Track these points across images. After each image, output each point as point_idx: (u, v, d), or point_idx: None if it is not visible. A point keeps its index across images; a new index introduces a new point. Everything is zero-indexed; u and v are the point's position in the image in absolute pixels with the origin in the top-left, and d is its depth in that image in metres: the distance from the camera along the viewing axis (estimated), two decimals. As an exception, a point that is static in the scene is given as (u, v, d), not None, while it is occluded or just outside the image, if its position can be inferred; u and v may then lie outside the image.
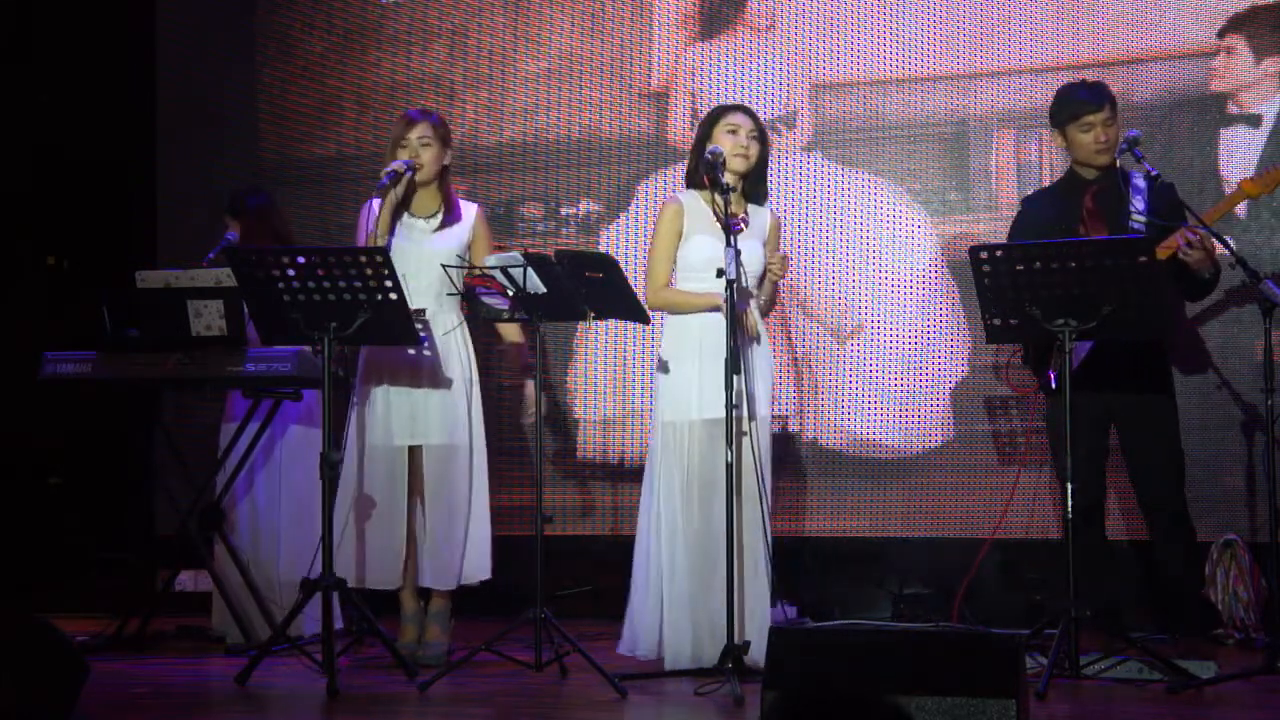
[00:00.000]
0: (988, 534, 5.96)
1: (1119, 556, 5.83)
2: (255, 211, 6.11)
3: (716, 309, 5.02)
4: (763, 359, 5.25)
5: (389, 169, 5.39)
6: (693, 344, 5.18)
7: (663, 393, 5.25)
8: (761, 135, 5.28)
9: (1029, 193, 5.88)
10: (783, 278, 5.29)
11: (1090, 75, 5.66)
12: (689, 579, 5.08)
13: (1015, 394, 5.62)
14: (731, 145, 5.20)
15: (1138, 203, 5.24)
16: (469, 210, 5.58)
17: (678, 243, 5.26)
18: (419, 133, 5.48)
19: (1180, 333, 5.74)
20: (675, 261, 5.27)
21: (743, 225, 5.17)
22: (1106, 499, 5.55)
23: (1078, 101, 5.36)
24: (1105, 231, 5.24)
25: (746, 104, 5.54)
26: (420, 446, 5.42)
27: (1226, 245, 5.12)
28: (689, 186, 5.35)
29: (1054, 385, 5.23)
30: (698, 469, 5.13)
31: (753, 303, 5.22)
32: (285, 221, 6.33)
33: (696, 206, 5.28)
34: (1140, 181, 5.28)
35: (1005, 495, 6.32)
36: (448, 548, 5.39)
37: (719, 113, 5.31)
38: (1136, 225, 5.20)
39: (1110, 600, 5.34)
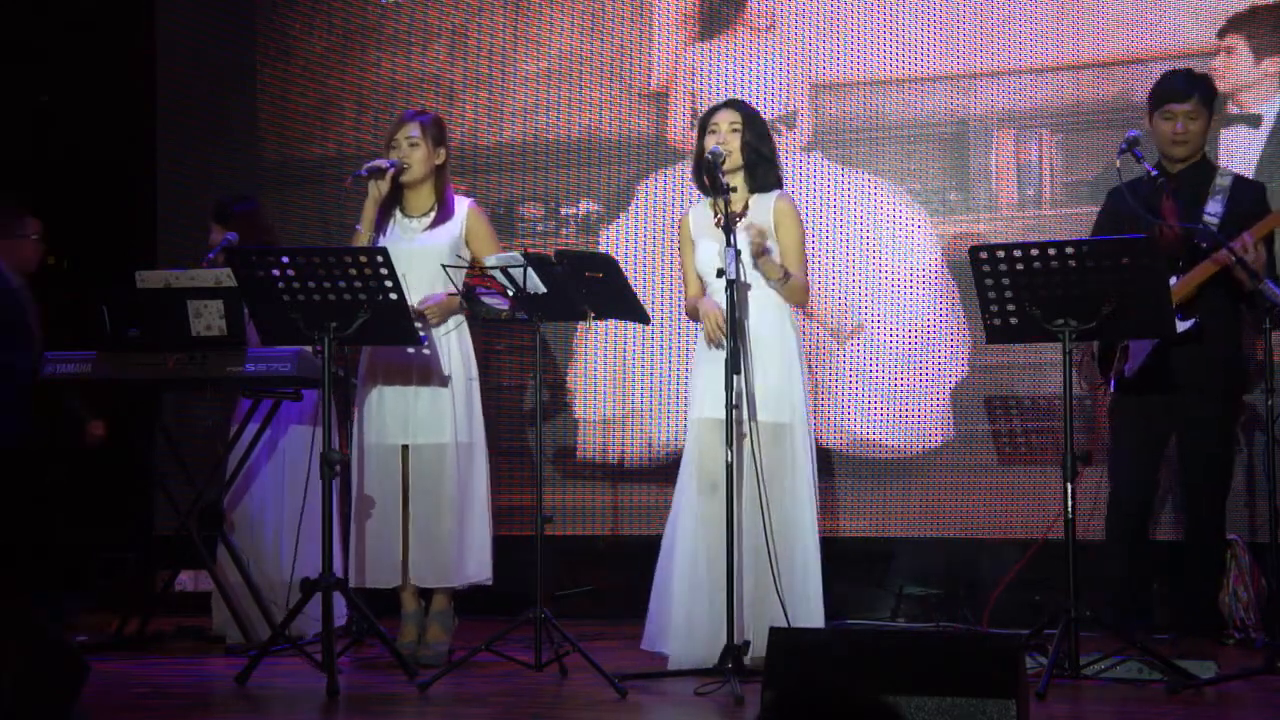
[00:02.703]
0: (1040, 534, 5.93)
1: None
2: (242, 218, 6.08)
3: (695, 315, 5.23)
4: (774, 358, 5.17)
5: (370, 164, 5.44)
6: (708, 345, 5.21)
7: (690, 391, 5.32)
8: (748, 124, 5.23)
9: (1114, 185, 5.74)
10: (764, 251, 5.03)
11: (1090, 75, 5.64)
12: (699, 576, 5.09)
13: (1086, 391, 5.59)
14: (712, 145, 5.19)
15: (1215, 204, 5.21)
16: (461, 205, 5.57)
17: (691, 252, 5.30)
18: (406, 133, 5.49)
19: (1243, 343, 5.65)
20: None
21: (735, 222, 5.08)
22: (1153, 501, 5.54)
23: (1167, 89, 5.32)
24: (1175, 232, 5.22)
25: (736, 97, 5.54)
26: (411, 445, 5.42)
27: (1229, 247, 5.10)
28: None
29: (1112, 388, 5.28)
30: (706, 467, 5.13)
31: (751, 300, 5.18)
32: (272, 229, 6.32)
33: (700, 213, 5.31)
34: (1224, 181, 5.25)
35: (1006, 495, 6.34)
36: (437, 546, 5.38)
37: (704, 117, 5.33)
38: (1205, 228, 5.19)
39: (1141, 601, 5.38)
